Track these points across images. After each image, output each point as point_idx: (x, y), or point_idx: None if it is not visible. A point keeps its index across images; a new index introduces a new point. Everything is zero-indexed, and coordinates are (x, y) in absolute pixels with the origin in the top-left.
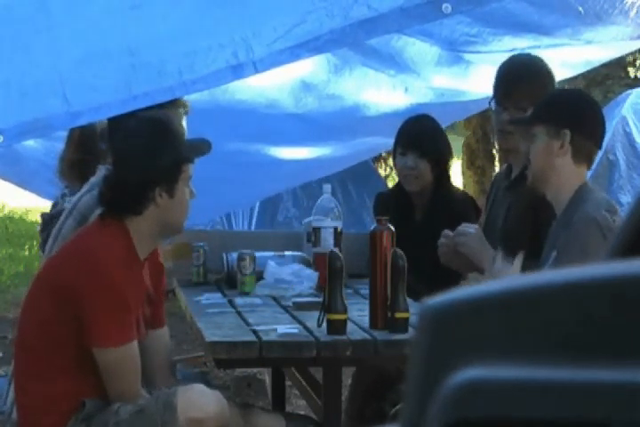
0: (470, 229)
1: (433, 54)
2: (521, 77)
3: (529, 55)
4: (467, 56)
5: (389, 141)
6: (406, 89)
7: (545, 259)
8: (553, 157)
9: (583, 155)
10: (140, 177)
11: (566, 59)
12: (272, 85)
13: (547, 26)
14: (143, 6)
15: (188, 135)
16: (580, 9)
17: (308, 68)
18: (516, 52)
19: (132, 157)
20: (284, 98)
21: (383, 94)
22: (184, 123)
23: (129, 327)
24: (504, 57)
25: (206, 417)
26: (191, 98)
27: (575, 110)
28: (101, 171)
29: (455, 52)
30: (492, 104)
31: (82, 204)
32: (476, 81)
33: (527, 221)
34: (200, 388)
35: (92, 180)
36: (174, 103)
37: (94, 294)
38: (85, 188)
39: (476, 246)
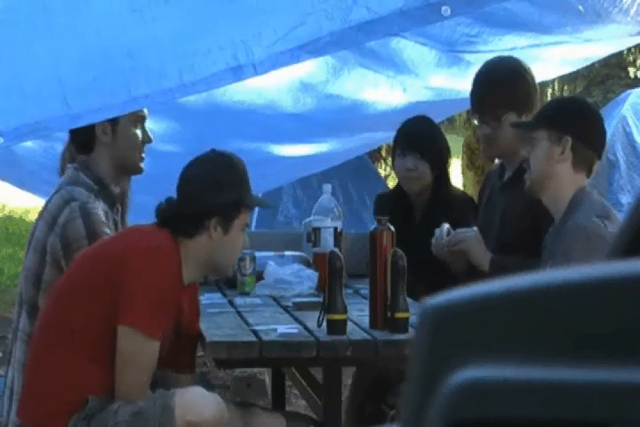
0: (469, 231)
1: (433, 56)
2: (487, 93)
3: (503, 63)
4: (467, 56)
5: (388, 135)
6: (405, 90)
7: (544, 267)
8: (553, 163)
9: (583, 163)
10: (200, 201)
11: (566, 55)
12: (271, 86)
13: (547, 25)
14: (143, 9)
15: (186, 136)
16: (580, 8)
17: (307, 68)
18: (516, 51)
19: (197, 182)
20: (283, 98)
21: (381, 94)
22: (145, 110)
23: (160, 325)
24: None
25: (203, 420)
26: (191, 99)
27: (578, 118)
28: (69, 170)
29: (455, 52)
30: (472, 116)
31: (52, 204)
32: None
33: (522, 228)
34: (198, 390)
35: (61, 180)
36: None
37: (143, 280)
38: (55, 188)
39: (475, 245)
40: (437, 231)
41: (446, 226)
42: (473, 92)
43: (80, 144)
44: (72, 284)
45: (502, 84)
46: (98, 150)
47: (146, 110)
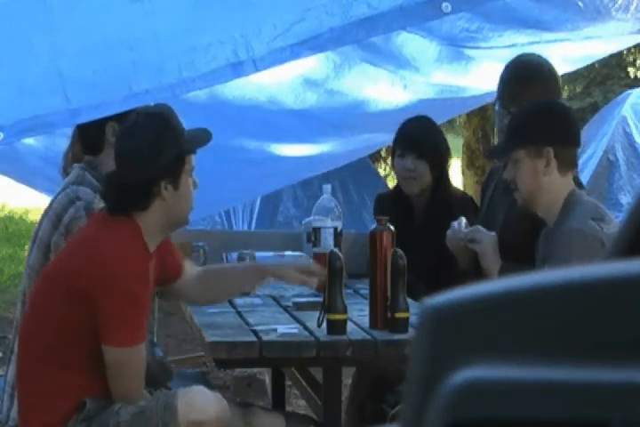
0: (488, 234)
1: (433, 50)
2: (527, 83)
3: (535, 57)
4: (467, 52)
5: (389, 137)
6: (405, 86)
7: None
8: (540, 177)
9: (568, 163)
10: (144, 173)
11: (566, 53)
12: (272, 81)
13: (547, 21)
14: (143, 2)
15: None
16: (580, 4)
17: (308, 64)
18: (516, 48)
19: (134, 154)
20: (284, 94)
21: (382, 91)
22: None
23: (140, 329)
24: (504, 52)
25: (206, 419)
26: (191, 94)
27: (549, 125)
28: (75, 169)
29: (455, 47)
30: (496, 106)
31: (56, 203)
32: (475, 77)
33: (525, 230)
34: (201, 389)
35: (66, 179)
36: None
37: (109, 294)
38: (60, 187)
39: (489, 251)
40: (455, 224)
41: (464, 219)
42: (504, 84)
43: (88, 144)
44: (40, 306)
45: (536, 82)
46: (106, 152)
47: None
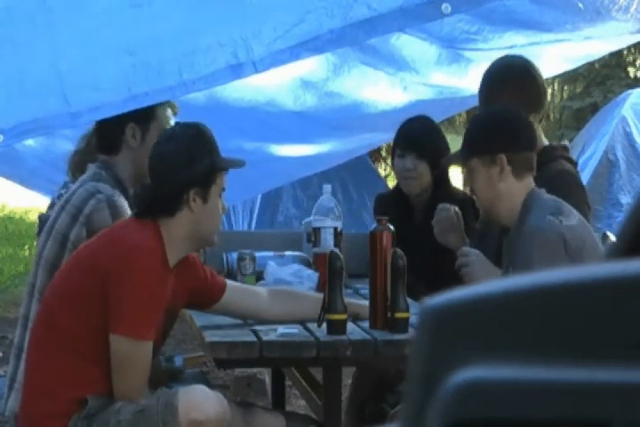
0: (472, 255)
1: (433, 53)
2: (499, 86)
3: (514, 59)
4: (467, 54)
5: (388, 136)
6: (405, 88)
7: (506, 274)
8: (496, 185)
9: (523, 167)
10: (175, 178)
11: (566, 53)
12: (271, 83)
13: (547, 22)
14: (143, 5)
15: None
16: (580, 5)
17: (307, 66)
18: (516, 49)
19: (168, 159)
20: (283, 96)
21: (382, 92)
22: (172, 123)
23: (149, 326)
24: (504, 54)
25: (207, 419)
26: (190, 96)
27: (499, 132)
28: (91, 168)
29: (455, 49)
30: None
31: (76, 197)
32: (475, 78)
33: None
34: (202, 389)
35: (83, 177)
36: (162, 103)
37: (131, 285)
38: (77, 184)
39: (480, 270)
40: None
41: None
42: (482, 90)
43: (106, 144)
44: (63, 291)
45: (512, 84)
46: (123, 153)
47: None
